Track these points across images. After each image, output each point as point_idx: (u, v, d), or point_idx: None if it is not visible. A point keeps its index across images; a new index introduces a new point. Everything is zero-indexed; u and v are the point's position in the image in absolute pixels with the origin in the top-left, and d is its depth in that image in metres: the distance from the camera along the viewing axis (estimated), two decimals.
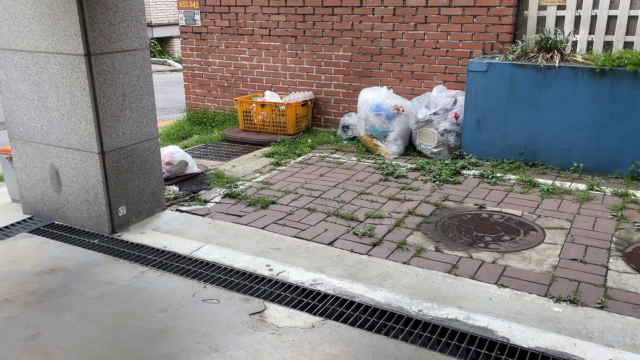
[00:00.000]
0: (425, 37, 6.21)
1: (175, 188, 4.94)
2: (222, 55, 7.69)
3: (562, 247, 3.63)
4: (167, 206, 4.48)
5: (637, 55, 4.68)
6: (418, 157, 5.77)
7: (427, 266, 3.42)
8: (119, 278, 3.34)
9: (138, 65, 3.94)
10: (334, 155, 5.95)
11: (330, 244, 3.76)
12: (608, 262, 3.41)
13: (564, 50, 5.17)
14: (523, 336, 2.69)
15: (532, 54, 5.21)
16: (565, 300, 2.99)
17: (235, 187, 4.94)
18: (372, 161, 5.68)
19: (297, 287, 3.20)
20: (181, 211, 4.38)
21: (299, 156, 5.98)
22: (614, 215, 4.11)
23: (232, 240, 3.84)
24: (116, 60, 3.78)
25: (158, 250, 3.71)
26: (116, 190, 3.93)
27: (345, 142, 6.44)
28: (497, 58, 5.43)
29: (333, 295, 3.10)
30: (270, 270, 3.41)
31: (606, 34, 5.45)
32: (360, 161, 5.71)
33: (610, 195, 4.53)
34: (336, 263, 3.48)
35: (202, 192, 4.87)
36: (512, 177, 5.03)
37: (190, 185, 5.06)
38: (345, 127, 6.60)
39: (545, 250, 3.60)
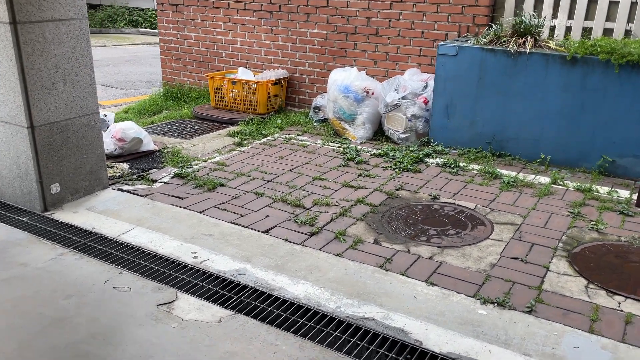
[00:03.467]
0: (401, 17, 5.95)
1: (125, 165, 4.77)
2: (198, 28, 7.46)
3: (507, 245, 3.45)
4: (111, 184, 4.32)
5: (610, 43, 4.42)
6: (386, 143, 5.56)
7: (359, 259, 3.25)
8: (36, 260, 3.19)
9: (74, 36, 3.74)
10: (301, 138, 5.75)
11: (266, 231, 3.60)
12: (550, 262, 3.23)
13: (539, 35, 4.91)
14: (438, 340, 2.53)
15: (504, 39, 4.96)
16: (493, 303, 2.82)
17: (187, 167, 4.77)
18: (337, 145, 5.48)
19: (217, 277, 3.05)
20: (123, 190, 4.22)
21: (265, 137, 5.79)
22: (571, 212, 3.91)
23: (165, 223, 3.68)
24: (47, 30, 3.58)
25: (86, 231, 3.56)
26: (48, 167, 3.77)
27: (315, 124, 6.23)
28: (469, 42, 5.18)
29: (252, 288, 2.94)
30: (195, 257, 3.25)
31: (586, 19, 5.18)
32: (325, 145, 5.51)
33: (573, 191, 4.32)
34: (266, 252, 3.32)
35: (153, 171, 4.71)
36: (476, 167, 4.82)
37: (142, 164, 4.89)
38: (317, 109, 6.39)
39: (488, 247, 3.42)
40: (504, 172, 4.68)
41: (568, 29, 5.26)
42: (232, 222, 3.72)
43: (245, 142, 5.59)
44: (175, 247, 3.37)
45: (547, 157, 4.81)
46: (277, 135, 5.84)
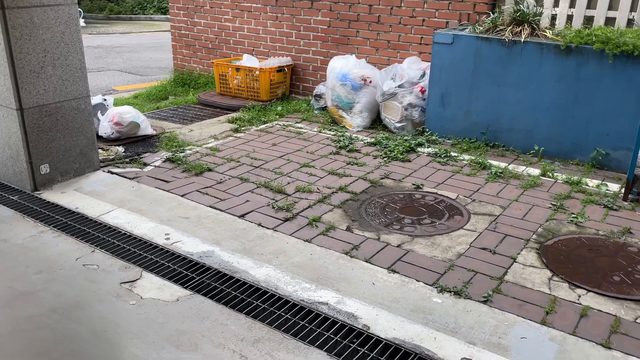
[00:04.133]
0: (402, 5, 5.90)
1: (120, 149, 4.89)
2: (207, 15, 7.53)
3: (479, 235, 3.43)
4: (103, 167, 4.44)
5: (606, 32, 4.31)
6: (382, 132, 5.54)
7: (327, 245, 3.28)
8: (16, 236, 3.33)
9: (62, 21, 3.85)
10: (298, 125, 5.78)
11: (242, 216, 3.66)
12: (519, 254, 3.20)
13: (537, 24, 4.81)
14: (386, 325, 2.55)
15: (501, 27, 4.87)
16: (450, 291, 2.81)
17: (180, 152, 4.86)
18: (333, 133, 5.50)
19: (184, 258, 3.12)
20: (112, 173, 4.34)
21: (263, 124, 5.84)
22: (553, 205, 3.85)
23: (145, 205, 3.78)
24: (35, 15, 3.69)
25: (69, 210, 3.69)
26: (37, 148, 3.90)
27: (316, 112, 6.25)
28: (466, 30, 5.11)
29: (216, 270, 3.01)
30: (167, 239, 3.34)
31: (588, 7, 5.04)
32: (320, 132, 5.54)
33: (561, 183, 4.25)
34: (237, 236, 3.38)
35: (147, 154, 4.81)
36: (466, 157, 4.77)
37: (137, 147, 5.00)
38: (318, 96, 6.40)
39: (459, 237, 3.40)
40: (495, 163, 4.63)
41: (570, 18, 5.14)
42: (210, 206, 3.79)
43: (243, 128, 5.66)
44: (150, 228, 3.46)
45: (540, 148, 4.73)
46: (276, 122, 5.88)
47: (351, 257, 3.15)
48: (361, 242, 3.33)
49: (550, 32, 4.72)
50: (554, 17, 5.20)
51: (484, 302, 2.73)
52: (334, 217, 3.68)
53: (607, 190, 4.11)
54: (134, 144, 5.06)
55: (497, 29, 4.90)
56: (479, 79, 4.92)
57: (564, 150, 4.67)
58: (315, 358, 2.35)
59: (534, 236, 3.41)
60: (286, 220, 3.61)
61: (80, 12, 17.96)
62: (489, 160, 4.64)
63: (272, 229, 3.49)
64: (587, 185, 4.18)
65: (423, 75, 5.44)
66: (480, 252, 3.22)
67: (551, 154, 4.73)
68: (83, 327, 2.51)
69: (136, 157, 4.74)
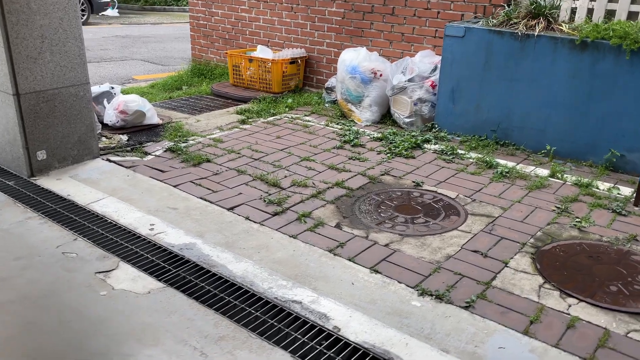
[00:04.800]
0: None
1: (123, 137, 4.89)
2: (224, 6, 7.49)
3: (473, 237, 3.27)
4: (103, 154, 4.44)
5: (625, 26, 4.06)
6: (391, 127, 5.40)
7: (312, 242, 3.18)
8: (3, 221, 3.33)
9: (61, 7, 3.84)
10: (307, 118, 5.68)
11: (231, 209, 3.59)
12: (512, 258, 3.03)
13: (554, 17, 4.58)
14: (358, 328, 2.44)
15: (515, 20, 4.66)
16: (431, 295, 2.68)
17: (183, 142, 4.82)
18: (340, 127, 5.38)
19: (164, 250, 3.07)
20: (110, 161, 4.32)
21: (272, 116, 5.76)
22: (558, 207, 3.65)
23: (136, 195, 3.74)
24: (32, 1, 3.68)
25: (60, 197, 3.68)
26: (34, 134, 3.91)
27: (327, 105, 6.14)
28: (479, 23, 4.91)
29: (194, 263, 2.95)
30: (151, 229, 3.29)
31: (610, 1, 4.77)
32: (327, 126, 5.42)
33: (570, 185, 4.04)
34: (222, 229, 3.31)
35: (149, 144, 4.79)
36: (474, 155, 4.59)
37: (141, 136, 4.99)
38: (329, 89, 6.28)
39: (451, 238, 3.25)
40: (502, 162, 4.44)
41: (590, 12, 4.88)
42: (201, 198, 3.73)
43: (250, 120, 5.59)
44: (136, 218, 3.42)
45: (552, 148, 4.52)
46: (285, 114, 5.79)
47: (334, 255, 3.04)
48: (348, 239, 3.22)
49: (567, 26, 4.49)
50: (574, 11, 4.95)
51: (466, 307, 2.59)
52: (325, 213, 3.57)
53: (618, 194, 3.89)
54: (138, 133, 5.05)
55: (512, 22, 4.69)
56: (490, 74, 4.73)
57: (576, 150, 4.44)
58: (278, 359, 2.26)
59: (532, 240, 3.24)
60: (275, 214, 3.52)
61: (114, 2, 18.25)
62: (496, 159, 4.45)
63: (259, 223, 3.41)
64: (597, 189, 3.97)
65: (434, 70, 5.26)
66: (470, 254, 3.07)
67: (563, 154, 4.51)
68: (50, 316, 2.48)
69: (138, 145, 4.73)
